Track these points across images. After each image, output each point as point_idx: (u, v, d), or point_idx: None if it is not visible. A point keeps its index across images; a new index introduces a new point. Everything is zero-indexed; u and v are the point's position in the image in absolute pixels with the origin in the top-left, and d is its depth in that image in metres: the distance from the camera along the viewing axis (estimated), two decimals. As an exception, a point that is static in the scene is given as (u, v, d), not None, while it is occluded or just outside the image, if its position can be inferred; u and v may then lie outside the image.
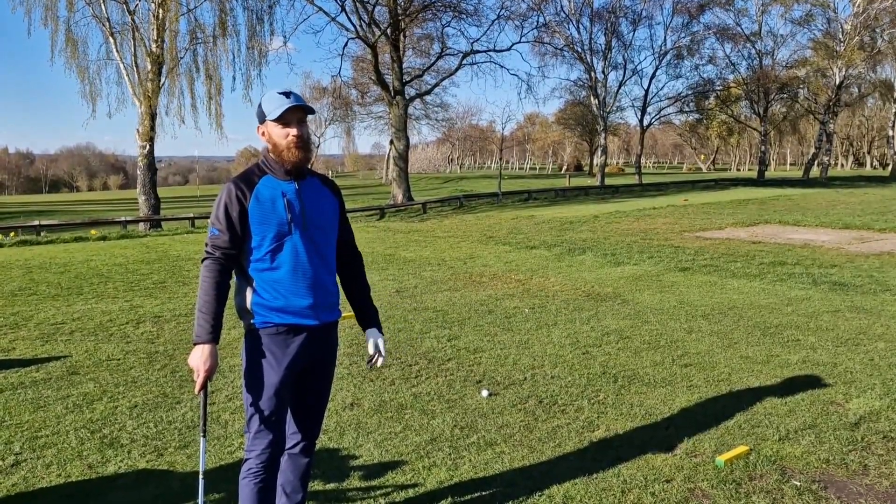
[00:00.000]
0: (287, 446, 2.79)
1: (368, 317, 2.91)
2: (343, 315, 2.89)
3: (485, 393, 4.79)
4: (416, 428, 4.21)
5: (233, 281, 2.65)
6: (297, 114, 2.56)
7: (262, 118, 2.60)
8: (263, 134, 2.62)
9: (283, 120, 2.55)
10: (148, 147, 21.92)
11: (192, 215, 21.52)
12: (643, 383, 5.02)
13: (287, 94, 2.55)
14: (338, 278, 2.81)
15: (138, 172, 22.64)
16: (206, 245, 2.60)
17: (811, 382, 4.96)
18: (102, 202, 57.05)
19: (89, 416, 4.45)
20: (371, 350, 2.85)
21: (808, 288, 8.71)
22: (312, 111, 2.64)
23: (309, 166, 2.71)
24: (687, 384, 4.98)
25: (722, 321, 6.96)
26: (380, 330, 2.91)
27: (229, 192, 2.56)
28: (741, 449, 3.76)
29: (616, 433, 4.10)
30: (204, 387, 2.54)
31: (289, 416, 2.78)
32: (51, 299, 8.63)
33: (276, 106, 2.54)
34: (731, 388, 4.87)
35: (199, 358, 2.51)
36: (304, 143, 2.58)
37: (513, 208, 25.53)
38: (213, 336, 2.54)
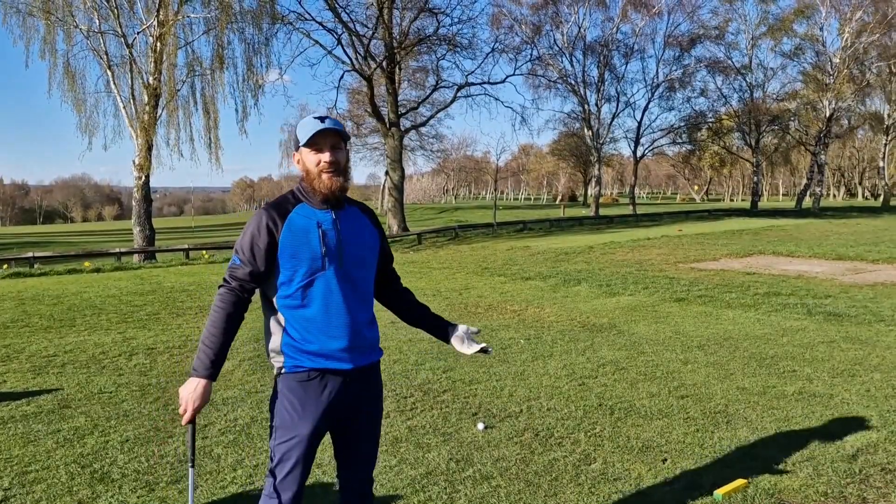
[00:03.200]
0: (342, 498, 2.62)
1: (443, 324, 2.72)
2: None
3: (480, 426, 4.75)
4: (411, 461, 4.16)
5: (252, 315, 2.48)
6: (330, 138, 2.40)
7: (296, 144, 2.44)
8: (298, 161, 2.45)
9: (315, 145, 2.39)
10: (144, 178, 21.97)
11: (186, 246, 21.50)
12: (640, 415, 4.99)
13: (322, 119, 2.40)
14: (377, 308, 2.63)
15: (133, 203, 22.65)
16: (226, 272, 2.45)
17: (808, 414, 4.94)
18: (97, 233, 56.98)
19: (80, 450, 4.40)
20: (468, 349, 2.66)
21: (803, 318, 8.71)
22: (347, 136, 2.47)
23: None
24: (684, 416, 4.95)
25: (718, 352, 6.95)
26: (459, 326, 2.71)
27: (259, 222, 2.39)
28: (739, 482, 3.72)
29: (613, 466, 4.06)
30: (192, 420, 2.42)
31: (338, 468, 2.63)
32: (43, 331, 8.57)
33: (308, 130, 2.38)
34: (727, 420, 4.84)
35: (190, 391, 2.37)
36: (337, 170, 2.40)
37: (508, 238, 25.58)
38: (212, 372, 2.39)
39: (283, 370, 2.45)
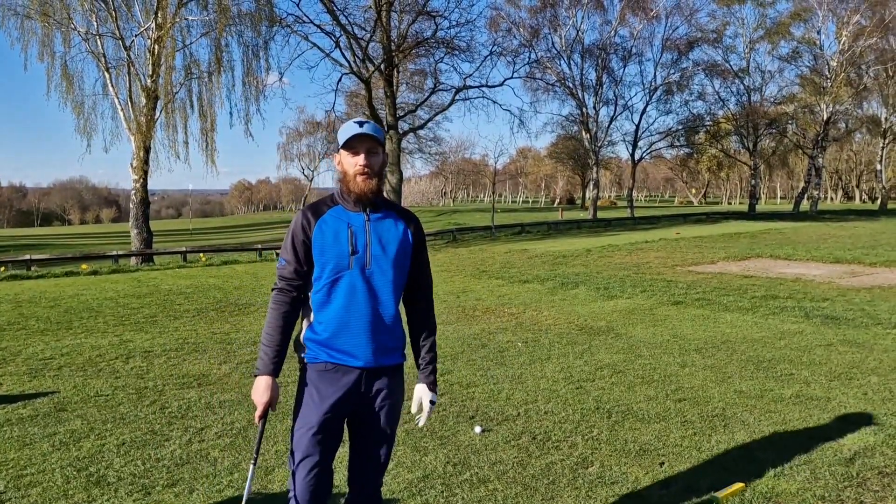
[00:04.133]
0: (350, 493, 2.69)
1: (420, 369, 2.74)
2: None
3: (478, 429, 4.75)
4: (408, 465, 4.15)
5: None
6: (366, 143, 2.51)
7: (337, 147, 2.57)
8: (338, 163, 2.57)
9: (352, 148, 2.51)
10: (141, 181, 21.95)
11: (184, 249, 21.47)
12: (637, 419, 4.98)
13: (361, 124, 2.51)
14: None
15: (131, 206, 22.62)
16: (276, 276, 2.61)
17: (805, 417, 4.94)
18: (94, 235, 56.91)
19: (76, 453, 4.38)
20: (413, 407, 2.71)
21: (801, 321, 8.72)
22: (383, 142, 2.57)
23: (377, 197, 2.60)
24: (681, 419, 4.95)
25: (715, 355, 6.95)
26: (430, 387, 2.70)
27: (297, 222, 2.56)
28: (736, 486, 3.72)
29: (610, 470, 4.06)
30: (264, 416, 2.55)
31: (348, 467, 2.71)
32: (40, 334, 8.55)
33: (346, 134, 2.51)
34: (725, 424, 4.84)
35: (257, 391, 2.53)
36: (371, 173, 2.51)
37: (506, 242, 25.59)
38: (273, 368, 2.53)
39: (305, 360, 2.59)
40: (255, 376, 2.55)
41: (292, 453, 2.56)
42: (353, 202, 2.55)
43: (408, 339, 2.74)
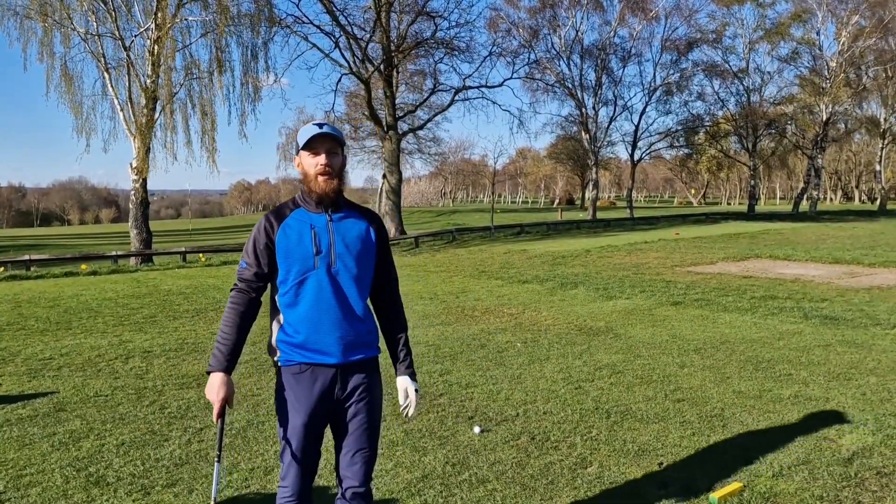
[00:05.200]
0: (340, 491, 2.70)
1: (399, 364, 2.78)
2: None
3: (477, 430, 4.75)
4: (407, 465, 4.16)
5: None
6: (326, 143, 2.55)
7: (296, 148, 2.61)
8: (298, 165, 2.61)
9: (313, 149, 2.55)
10: (141, 181, 21.94)
11: (183, 249, 21.47)
12: (636, 419, 4.99)
13: (320, 125, 2.57)
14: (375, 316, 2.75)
15: (131, 206, 22.60)
16: (236, 277, 2.65)
17: (804, 418, 4.95)
18: (94, 236, 56.91)
19: (75, 453, 4.39)
20: (401, 399, 2.74)
21: (800, 322, 8.72)
22: (343, 142, 2.63)
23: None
24: (680, 420, 4.96)
25: (714, 355, 6.95)
26: (411, 378, 2.75)
27: (259, 226, 2.60)
28: (735, 486, 3.73)
29: (609, 470, 4.06)
30: (221, 414, 2.56)
31: (336, 462, 2.73)
32: (39, 334, 8.55)
33: (306, 135, 2.55)
34: (724, 424, 4.84)
35: (211, 389, 2.54)
36: (332, 172, 2.56)
37: (505, 242, 25.60)
38: (226, 365, 2.55)
39: (279, 364, 2.62)
40: (209, 373, 2.57)
41: (283, 451, 2.63)
42: (316, 203, 2.59)
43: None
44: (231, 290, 2.67)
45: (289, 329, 2.57)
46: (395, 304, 2.81)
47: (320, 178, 2.55)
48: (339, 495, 2.69)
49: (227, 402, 2.56)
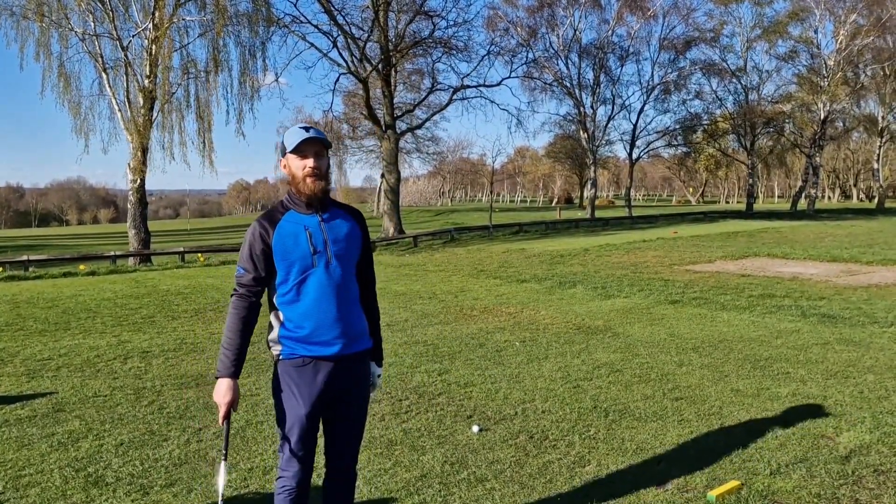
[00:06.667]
0: (326, 473, 2.89)
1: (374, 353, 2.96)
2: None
3: (475, 429, 4.76)
4: (405, 464, 4.17)
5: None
6: (314, 146, 2.66)
7: (283, 151, 2.70)
8: (285, 167, 2.71)
9: (300, 152, 2.65)
10: (139, 181, 21.93)
11: (182, 249, 21.46)
12: (634, 417, 5.00)
13: (307, 129, 2.68)
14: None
15: (129, 206, 22.59)
16: (235, 283, 2.75)
17: (802, 416, 4.96)
18: (92, 236, 56.86)
19: (74, 454, 4.39)
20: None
21: (798, 320, 8.74)
22: (329, 144, 2.75)
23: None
24: (678, 418, 4.97)
25: (712, 354, 6.97)
26: (378, 363, 2.96)
27: (253, 232, 2.68)
28: (733, 484, 3.74)
29: (607, 468, 4.07)
30: (227, 417, 2.68)
31: (325, 445, 2.88)
32: (38, 335, 8.55)
33: (294, 139, 2.65)
34: (722, 422, 4.85)
35: (218, 392, 2.65)
36: (319, 174, 2.67)
37: (503, 241, 25.61)
38: (234, 370, 2.66)
39: (280, 357, 2.72)
40: (217, 378, 2.68)
41: (283, 442, 2.72)
42: (305, 204, 2.71)
43: None
44: (231, 295, 2.75)
45: (290, 325, 2.68)
46: (372, 297, 2.94)
47: (308, 180, 2.66)
48: (327, 475, 2.88)
49: (233, 405, 2.67)
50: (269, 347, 2.77)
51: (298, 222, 2.69)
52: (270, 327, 2.76)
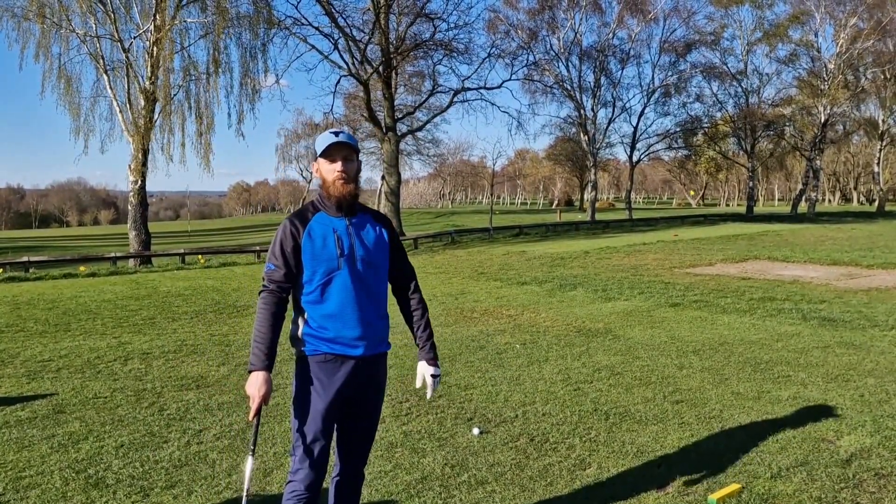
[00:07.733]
0: (334, 473, 2.94)
1: (421, 348, 2.99)
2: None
3: (476, 431, 4.76)
4: (406, 466, 4.17)
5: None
6: (342, 150, 2.74)
7: (315, 156, 2.79)
8: (317, 171, 2.80)
9: (329, 156, 2.73)
10: (140, 182, 21.93)
11: (182, 251, 21.45)
12: (635, 420, 5.00)
13: (337, 133, 2.74)
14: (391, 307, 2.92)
15: (129, 208, 22.59)
16: (263, 279, 2.79)
17: (802, 419, 4.95)
18: (93, 237, 56.87)
19: (74, 455, 4.39)
20: (418, 382, 3.00)
21: (798, 323, 8.73)
22: (358, 149, 2.82)
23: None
24: (678, 421, 4.96)
25: (713, 357, 6.96)
26: (430, 363, 2.95)
27: (285, 229, 2.75)
28: (733, 487, 3.73)
29: (608, 471, 4.07)
30: (258, 412, 2.69)
31: (337, 444, 2.92)
32: (38, 336, 8.55)
33: (324, 143, 2.73)
34: (722, 425, 4.85)
35: (253, 385, 2.67)
36: (348, 178, 2.74)
37: (504, 243, 25.60)
38: (267, 364, 2.69)
39: (304, 354, 2.77)
40: (250, 371, 2.70)
41: (298, 441, 2.76)
42: (335, 207, 2.78)
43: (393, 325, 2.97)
44: (260, 291, 2.78)
45: (314, 324, 2.74)
46: (415, 291, 2.99)
47: (338, 183, 2.73)
48: (336, 474, 2.92)
49: (265, 399, 2.68)
50: (292, 345, 2.82)
51: (327, 224, 2.76)
52: (295, 325, 2.81)
